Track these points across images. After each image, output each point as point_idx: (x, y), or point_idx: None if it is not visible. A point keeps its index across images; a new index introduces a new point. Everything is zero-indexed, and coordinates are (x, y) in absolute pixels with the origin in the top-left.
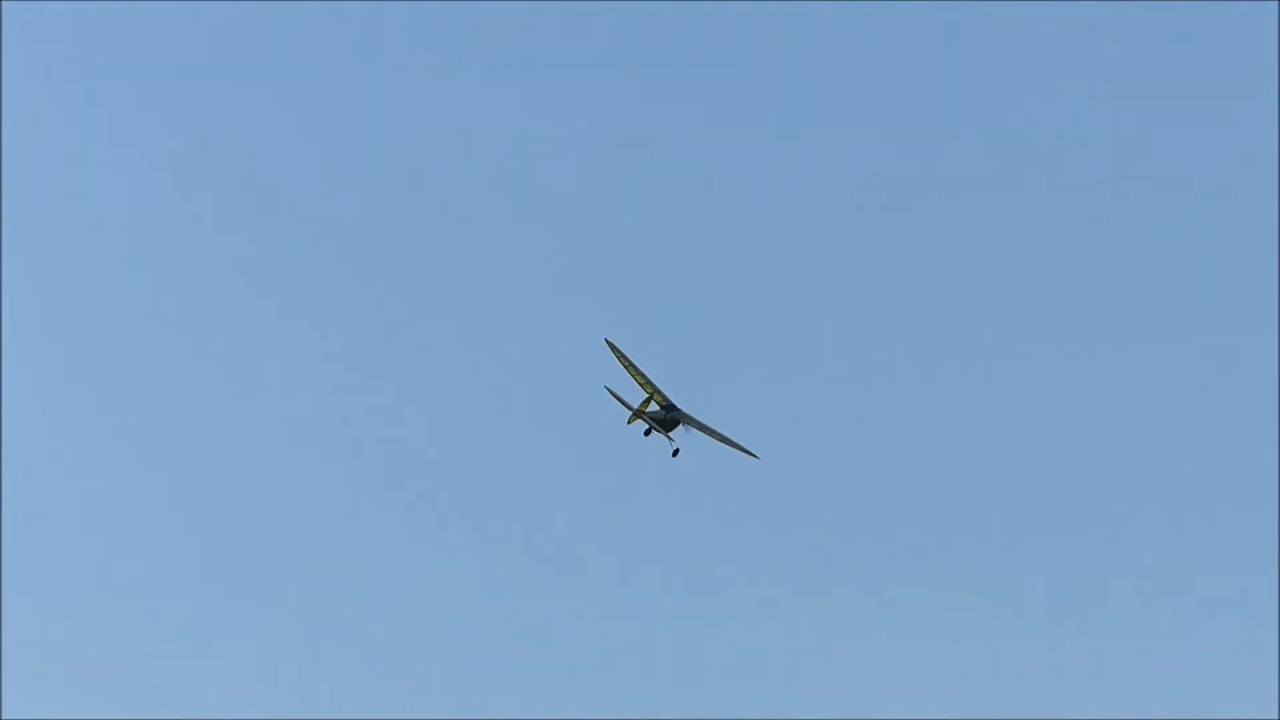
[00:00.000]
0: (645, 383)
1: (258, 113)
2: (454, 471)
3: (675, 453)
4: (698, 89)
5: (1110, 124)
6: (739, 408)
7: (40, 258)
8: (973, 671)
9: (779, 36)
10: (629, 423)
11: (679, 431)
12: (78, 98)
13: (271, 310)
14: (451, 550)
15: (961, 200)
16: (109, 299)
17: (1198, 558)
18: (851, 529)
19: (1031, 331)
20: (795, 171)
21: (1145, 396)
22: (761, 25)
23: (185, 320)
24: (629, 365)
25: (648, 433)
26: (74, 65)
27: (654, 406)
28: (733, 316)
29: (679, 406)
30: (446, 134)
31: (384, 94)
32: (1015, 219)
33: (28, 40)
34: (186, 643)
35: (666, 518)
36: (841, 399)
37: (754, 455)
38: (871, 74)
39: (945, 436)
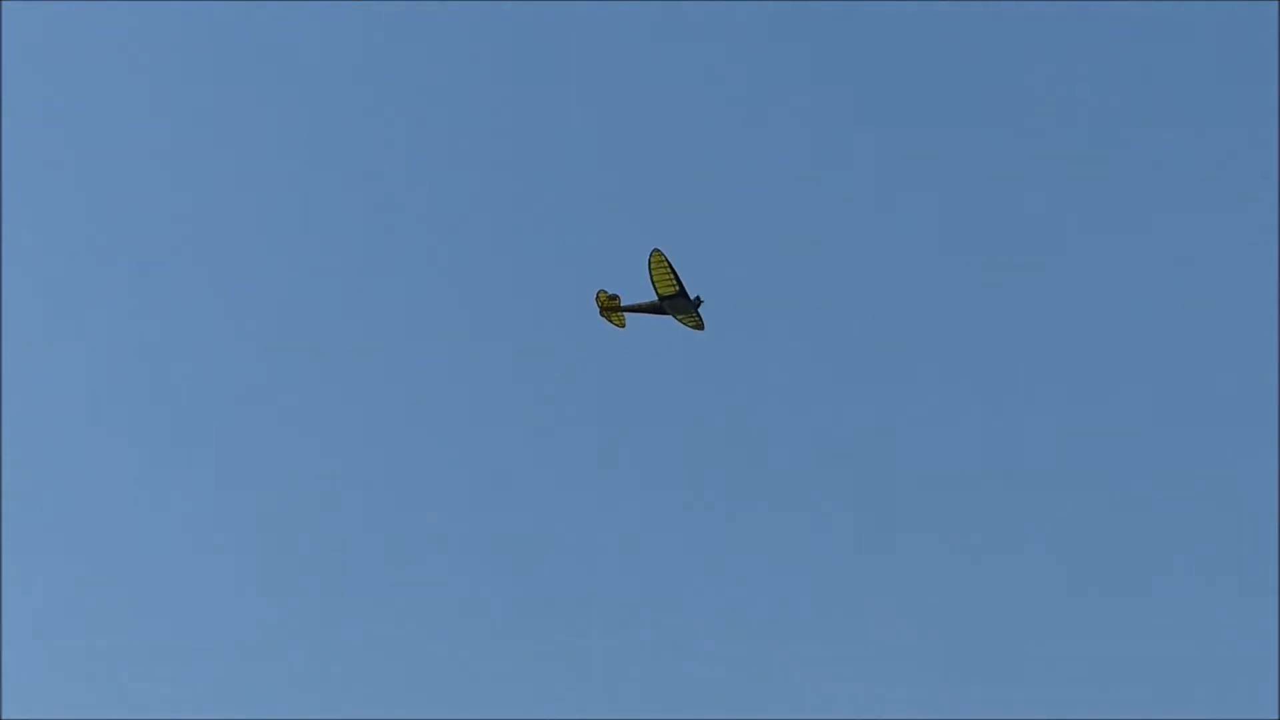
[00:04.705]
0: (673, 284)
1: (258, 114)
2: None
3: (697, 301)
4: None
5: (1109, 124)
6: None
7: (40, 259)
8: (969, 670)
9: None
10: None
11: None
12: (78, 98)
13: (280, 306)
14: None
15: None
16: (108, 301)
17: (1197, 557)
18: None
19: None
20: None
21: (1146, 394)
22: None
23: (185, 320)
24: (666, 275)
25: (697, 301)
26: (74, 65)
27: (652, 296)
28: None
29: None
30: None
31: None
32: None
33: (28, 40)
34: (185, 642)
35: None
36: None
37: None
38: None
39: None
